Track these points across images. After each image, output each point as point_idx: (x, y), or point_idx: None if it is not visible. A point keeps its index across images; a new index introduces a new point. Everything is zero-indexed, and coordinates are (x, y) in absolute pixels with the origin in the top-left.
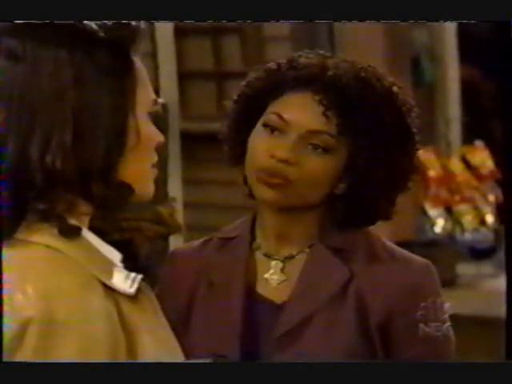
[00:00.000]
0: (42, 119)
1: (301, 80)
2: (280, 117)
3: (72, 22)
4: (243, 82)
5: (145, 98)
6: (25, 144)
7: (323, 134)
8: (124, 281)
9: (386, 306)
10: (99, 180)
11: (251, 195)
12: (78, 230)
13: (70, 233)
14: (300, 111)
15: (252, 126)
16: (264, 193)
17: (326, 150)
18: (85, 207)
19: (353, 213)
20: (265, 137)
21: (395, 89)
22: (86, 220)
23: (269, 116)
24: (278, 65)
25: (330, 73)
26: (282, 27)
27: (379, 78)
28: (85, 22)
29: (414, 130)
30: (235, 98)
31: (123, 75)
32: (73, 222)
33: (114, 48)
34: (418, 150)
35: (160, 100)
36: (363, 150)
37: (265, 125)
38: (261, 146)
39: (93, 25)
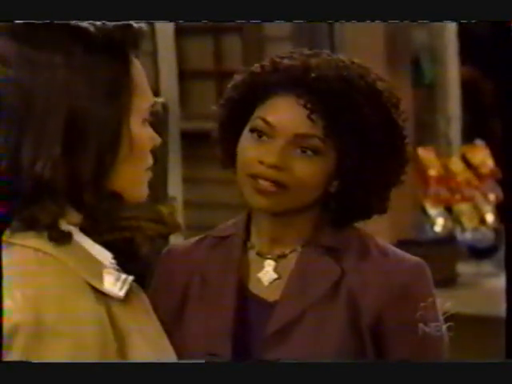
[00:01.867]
0: (33, 127)
1: (284, 83)
2: (265, 121)
3: (68, 25)
4: (228, 86)
5: (141, 105)
6: (16, 151)
7: (310, 137)
8: (114, 283)
9: (378, 305)
10: (90, 190)
11: None
12: (69, 235)
13: (61, 239)
14: (285, 115)
15: (241, 129)
16: (257, 201)
17: (315, 152)
18: (74, 216)
19: (347, 209)
20: (253, 142)
21: (379, 84)
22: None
23: (255, 121)
24: (262, 67)
25: (312, 75)
26: (283, 27)
27: (362, 75)
28: (82, 25)
29: (401, 123)
30: (222, 102)
31: (119, 84)
32: (64, 227)
33: (111, 54)
34: (407, 143)
35: (160, 99)
36: (351, 150)
37: (252, 130)
38: (249, 152)
39: (90, 28)
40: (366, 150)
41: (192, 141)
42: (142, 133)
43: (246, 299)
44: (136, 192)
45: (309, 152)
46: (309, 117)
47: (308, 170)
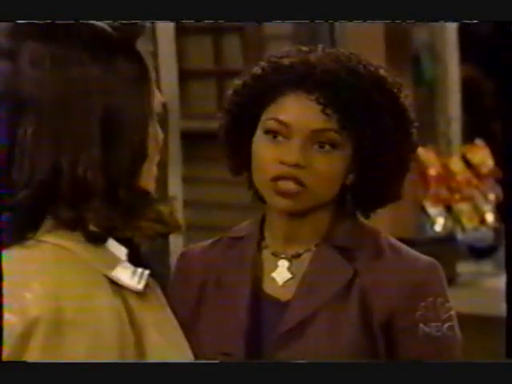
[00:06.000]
0: (71, 131)
1: (290, 81)
2: (278, 121)
3: (89, 24)
4: (230, 91)
5: (156, 101)
6: (56, 156)
7: (327, 131)
8: (131, 277)
9: (390, 305)
10: (125, 187)
11: (260, 199)
12: (105, 237)
13: (97, 240)
14: (298, 113)
15: (249, 133)
16: (280, 203)
17: (333, 146)
18: (110, 214)
19: (363, 199)
20: (269, 144)
21: (382, 72)
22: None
23: (267, 122)
24: (262, 69)
25: (317, 69)
26: (283, 26)
27: (364, 64)
28: (101, 25)
29: (408, 107)
30: (226, 108)
31: (142, 81)
32: (95, 229)
33: (130, 53)
34: (416, 126)
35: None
36: (367, 139)
37: (266, 132)
38: (267, 155)
39: (107, 28)
40: (380, 137)
41: (192, 141)
42: (157, 130)
43: (259, 299)
44: (148, 188)
45: (327, 147)
46: (323, 111)
47: (328, 165)
